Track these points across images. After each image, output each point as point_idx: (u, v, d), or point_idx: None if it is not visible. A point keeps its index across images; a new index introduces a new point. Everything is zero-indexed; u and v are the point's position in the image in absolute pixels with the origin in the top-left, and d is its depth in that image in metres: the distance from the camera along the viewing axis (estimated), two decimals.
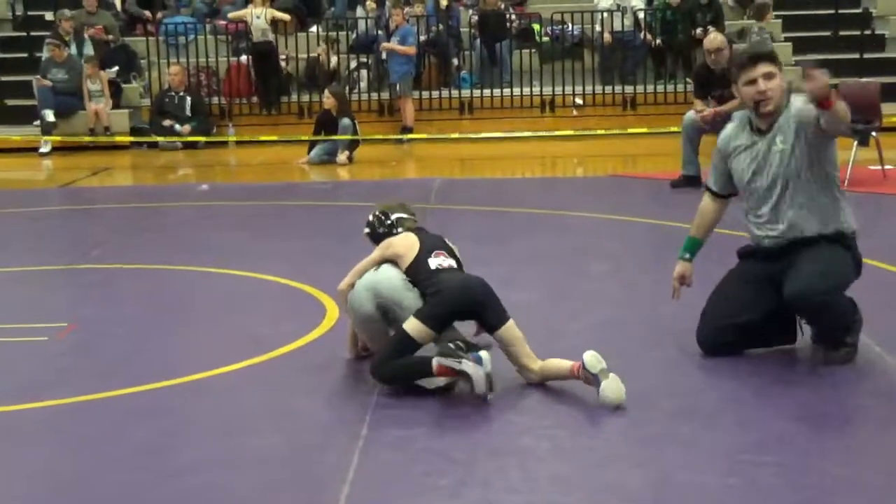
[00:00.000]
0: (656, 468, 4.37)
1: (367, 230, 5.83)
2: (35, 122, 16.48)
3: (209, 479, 4.41)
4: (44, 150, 16.10)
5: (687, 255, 6.01)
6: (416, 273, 5.44)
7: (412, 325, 5.25)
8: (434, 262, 5.48)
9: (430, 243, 5.59)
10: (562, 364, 5.32)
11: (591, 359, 5.14)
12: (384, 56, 16.59)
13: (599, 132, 15.79)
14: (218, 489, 4.32)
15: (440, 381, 5.23)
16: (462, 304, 5.37)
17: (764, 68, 5.55)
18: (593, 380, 5.09)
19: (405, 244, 5.55)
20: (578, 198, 11.08)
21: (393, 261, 5.53)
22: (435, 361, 5.15)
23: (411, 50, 16.36)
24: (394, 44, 16.22)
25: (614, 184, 12.07)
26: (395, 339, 5.34)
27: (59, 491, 4.36)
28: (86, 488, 4.37)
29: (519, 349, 5.39)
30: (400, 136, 16.12)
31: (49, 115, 16.19)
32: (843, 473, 4.28)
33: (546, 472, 4.39)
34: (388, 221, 5.79)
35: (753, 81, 5.55)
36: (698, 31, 16.63)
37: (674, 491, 4.18)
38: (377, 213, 5.84)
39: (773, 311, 5.58)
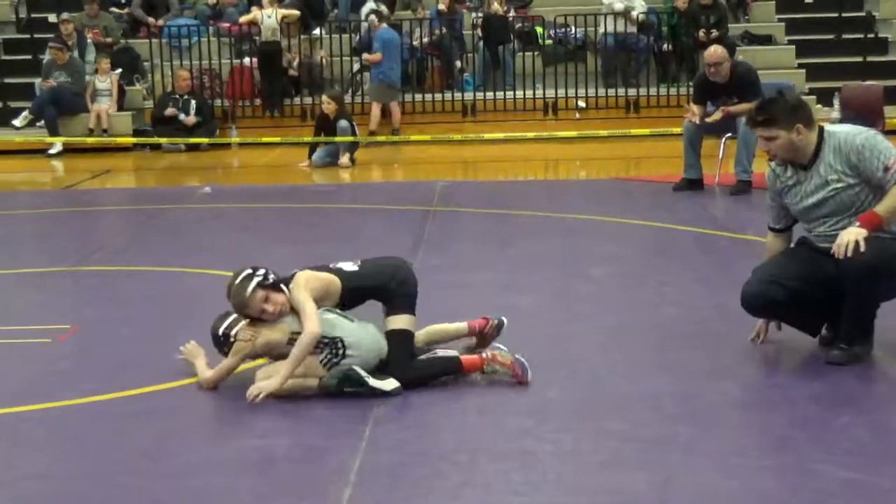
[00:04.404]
0: (658, 471, 4.37)
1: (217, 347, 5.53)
2: (39, 124, 16.50)
3: (211, 481, 4.41)
4: (52, 151, 16.12)
5: None
6: (350, 283, 5.44)
7: (405, 322, 5.40)
8: (346, 266, 5.55)
9: (318, 268, 5.53)
10: (455, 327, 5.79)
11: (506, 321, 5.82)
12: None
13: (602, 134, 15.79)
14: (220, 491, 4.32)
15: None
16: (410, 284, 5.53)
17: (762, 132, 5.54)
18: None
19: (313, 277, 5.40)
20: (581, 200, 11.07)
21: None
22: (463, 357, 5.42)
23: (375, 57, 16.37)
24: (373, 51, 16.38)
25: (617, 187, 12.07)
26: (401, 343, 5.40)
27: (61, 493, 4.36)
28: (88, 490, 4.37)
29: None
30: (387, 138, 16.12)
31: (17, 122, 16.31)
32: (844, 477, 4.27)
33: (548, 475, 4.38)
34: (220, 339, 5.48)
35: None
36: (701, 33, 16.64)
37: (675, 493, 4.18)
38: (214, 337, 5.50)
39: (818, 296, 5.55)
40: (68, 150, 16.21)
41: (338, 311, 5.47)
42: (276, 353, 5.42)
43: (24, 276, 8.28)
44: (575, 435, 4.77)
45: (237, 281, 5.33)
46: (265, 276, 5.33)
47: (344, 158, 14.03)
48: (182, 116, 16.20)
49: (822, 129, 5.57)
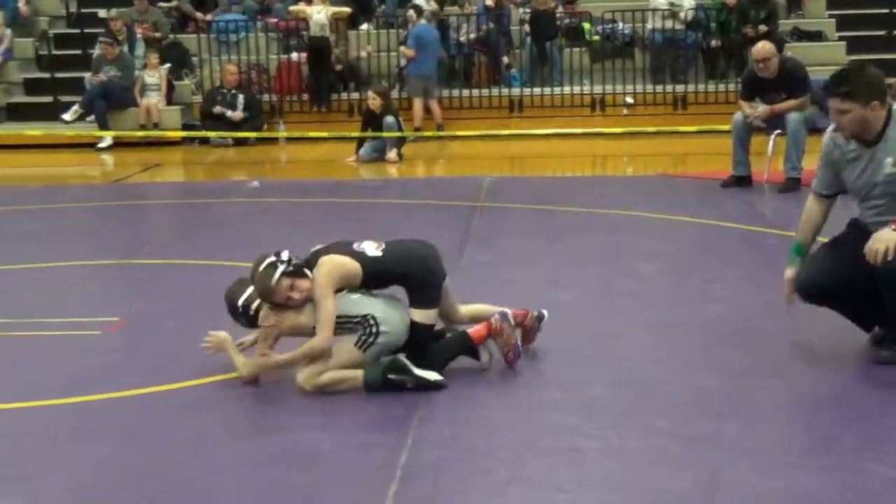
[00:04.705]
0: (704, 468, 4.36)
1: (234, 318, 5.59)
2: (89, 118, 16.63)
3: (256, 474, 4.43)
4: (102, 145, 16.26)
5: (798, 260, 5.77)
6: (373, 268, 5.42)
7: (426, 317, 5.43)
8: (370, 249, 5.50)
9: (341, 249, 5.50)
10: (491, 309, 5.72)
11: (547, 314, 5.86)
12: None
13: (649, 130, 15.73)
14: (265, 485, 4.34)
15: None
16: (437, 275, 5.53)
17: (838, 104, 5.40)
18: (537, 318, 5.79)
19: (337, 265, 5.38)
20: (628, 197, 11.04)
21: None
22: (471, 331, 5.49)
23: (409, 53, 16.41)
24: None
25: (664, 183, 12.02)
26: (420, 336, 5.42)
27: (110, 484, 4.40)
28: (133, 482, 4.41)
29: (455, 299, 5.73)
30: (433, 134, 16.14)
31: (68, 116, 16.49)
32: (893, 476, 4.24)
33: (594, 472, 4.38)
34: (240, 310, 5.53)
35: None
36: (748, 28, 16.51)
37: (721, 491, 4.17)
38: (230, 309, 5.56)
39: (872, 290, 5.44)
40: (117, 144, 16.34)
41: (362, 290, 5.46)
42: (301, 335, 5.45)
43: (74, 269, 8.36)
44: (621, 432, 4.76)
45: (261, 269, 5.34)
46: (289, 263, 5.33)
47: (391, 154, 14.07)
48: (229, 113, 16.28)
49: (890, 108, 5.45)
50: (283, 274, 5.30)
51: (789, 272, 5.78)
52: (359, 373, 5.29)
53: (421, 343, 5.44)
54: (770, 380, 5.38)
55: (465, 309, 5.81)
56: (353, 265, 5.40)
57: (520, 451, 4.57)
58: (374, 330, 5.32)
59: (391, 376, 5.24)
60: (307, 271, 5.36)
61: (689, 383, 5.33)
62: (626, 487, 4.24)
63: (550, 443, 4.66)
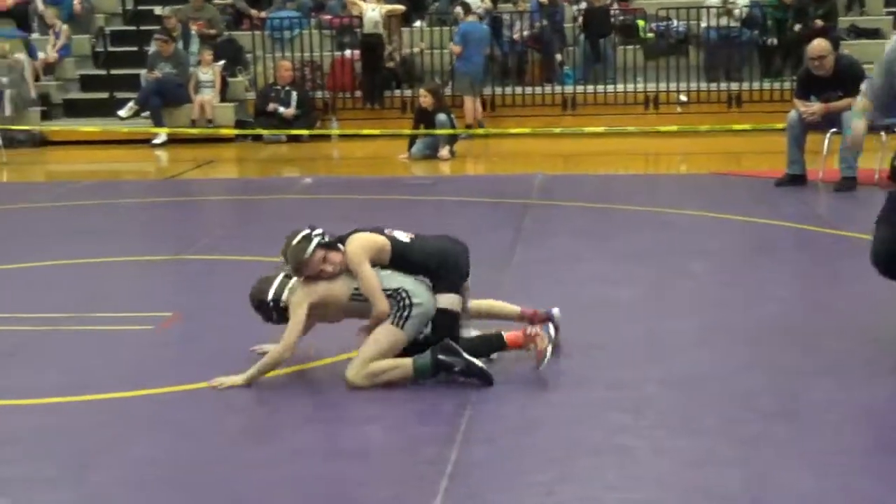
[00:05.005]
0: (754, 469, 4.33)
1: (262, 318, 5.61)
2: (144, 115, 16.77)
3: (306, 468, 4.46)
4: (157, 141, 16.39)
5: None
6: (401, 252, 5.51)
7: (449, 302, 5.42)
8: (400, 235, 5.61)
9: (371, 230, 5.63)
10: (510, 308, 5.82)
11: (558, 314, 5.73)
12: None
13: (703, 128, 15.65)
14: (315, 479, 4.37)
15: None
16: (459, 268, 5.56)
17: None
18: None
19: (368, 239, 5.49)
20: (681, 195, 10.99)
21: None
22: (507, 335, 5.44)
23: (455, 49, 16.40)
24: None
25: (718, 181, 11.95)
26: (445, 323, 5.41)
27: (163, 477, 4.44)
28: (186, 475, 4.45)
29: (468, 296, 5.71)
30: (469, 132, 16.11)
31: (123, 112, 16.62)
32: None
33: (643, 471, 4.37)
34: (270, 305, 5.53)
35: None
36: (801, 25, 16.37)
37: (770, 492, 4.14)
38: (256, 305, 5.58)
39: None
40: (172, 141, 16.46)
41: (390, 269, 5.51)
42: (332, 313, 5.48)
43: (129, 264, 8.43)
44: (671, 431, 4.75)
45: (295, 241, 5.41)
46: (319, 235, 5.42)
47: (443, 151, 14.08)
48: (281, 109, 16.34)
49: None
50: (318, 246, 5.38)
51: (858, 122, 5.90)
52: (408, 361, 5.31)
53: (447, 333, 5.41)
54: (823, 380, 5.35)
55: (476, 304, 5.84)
56: (383, 240, 5.52)
57: (569, 450, 4.57)
58: (407, 302, 5.34)
59: (441, 356, 5.24)
60: (339, 246, 5.44)
61: (740, 383, 5.31)
62: (675, 487, 4.23)
63: (600, 441, 4.66)
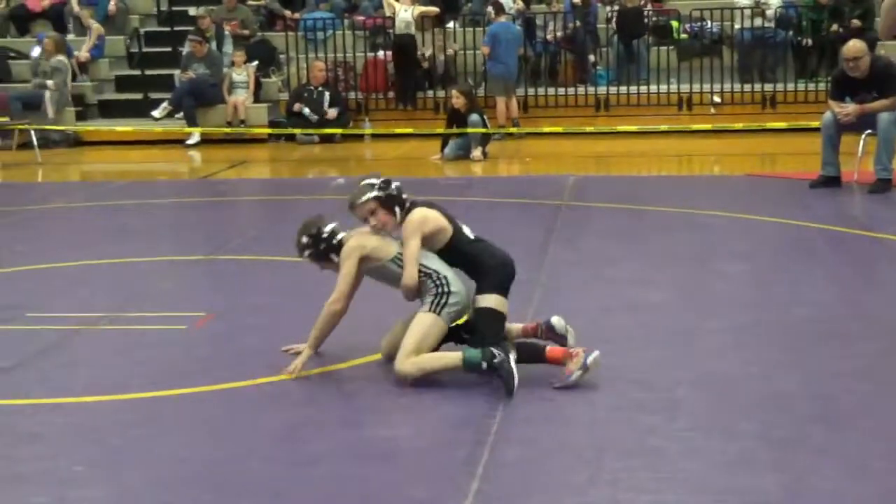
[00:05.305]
0: (789, 472, 4.31)
1: (307, 252, 5.70)
2: (178, 115, 16.83)
3: (339, 469, 4.46)
4: (190, 141, 16.45)
5: None
6: (459, 243, 5.55)
7: (496, 302, 5.41)
8: (468, 229, 5.65)
9: (444, 213, 5.65)
10: (515, 329, 5.69)
11: (559, 321, 5.57)
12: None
13: (737, 128, 15.58)
14: (347, 480, 4.37)
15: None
16: (507, 275, 5.56)
17: None
18: (559, 338, 5.52)
19: (431, 218, 5.55)
20: (714, 197, 10.94)
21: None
22: (549, 349, 5.37)
23: (484, 50, 16.39)
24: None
25: (751, 183, 11.90)
26: (492, 323, 5.42)
27: (194, 477, 4.45)
28: (219, 475, 4.46)
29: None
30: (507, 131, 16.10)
31: (157, 113, 16.70)
32: None
33: (675, 473, 4.35)
34: (325, 236, 5.64)
35: None
36: (836, 26, 16.26)
37: (806, 496, 4.12)
38: (309, 234, 5.68)
39: None
40: (205, 141, 16.53)
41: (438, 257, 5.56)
42: (371, 269, 5.54)
43: (162, 264, 8.47)
44: (704, 434, 4.73)
45: (363, 182, 5.62)
46: (384, 190, 5.55)
47: (476, 152, 14.08)
48: (306, 111, 16.32)
49: None
50: (373, 199, 5.53)
51: None
52: (457, 353, 5.32)
53: (494, 332, 5.40)
54: (858, 384, 5.31)
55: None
56: (445, 224, 5.56)
57: (601, 451, 4.55)
58: (445, 289, 5.40)
59: (494, 350, 5.20)
60: (398, 210, 5.53)
61: (774, 386, 5.28)
62: (708, 489, 4.21)
63: (632, 443, 4.64)
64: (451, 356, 5.32)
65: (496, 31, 16.33)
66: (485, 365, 5.18)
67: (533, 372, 5.35)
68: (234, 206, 11.98)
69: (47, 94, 16.68)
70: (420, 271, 5.43)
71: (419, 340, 5.34)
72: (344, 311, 5.54)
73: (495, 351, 5.21)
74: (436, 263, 5.48)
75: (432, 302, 5.39)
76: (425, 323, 5.38)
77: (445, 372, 5.37)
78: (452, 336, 5.53)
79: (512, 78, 16.39)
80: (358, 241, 5.54)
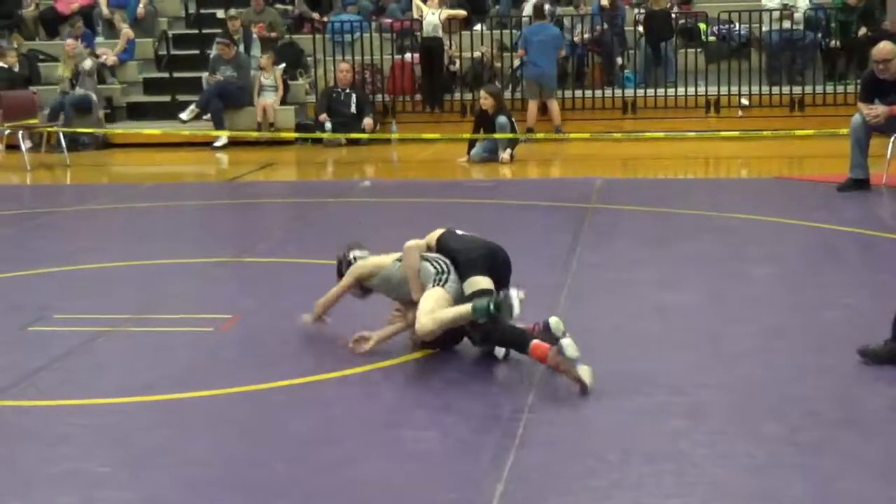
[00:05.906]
0: (816, 476, 4.29)
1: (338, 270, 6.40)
2: (206, 118, 16.88)
3: (365, 471, 4.47)
4: (218, 144, 16.50)
5: None
6: (448, 240, 5.98)
7: (488, 283, 5.69)
8: (460, 230, 6.13)
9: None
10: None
11: (555, 322, 5.52)
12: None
13: (765, 133, 15.52)
14: (374, 482, 4.37)
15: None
16: (487, 262, 5.86)
17: None
18: (552, 340, 5.42)
19: (420, 243, 6.05)
20: (742, 200, 10.91)
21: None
22: (534, 343, 5.42)
23: (518, 52, 16.39)
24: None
25: (779, 186, 11.86)
26: (483, 294, 5.66)
27: (220, 478, 4.46)
28: (247, 477, 4.47)
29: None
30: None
31: (184, 115, 16.77)
32: None
33: (701, 478, 4.33)
34: (349, 259, 6.32)
35: None
36: (864, 28, 16.16)
37: (833, 500, 4.10)
38: (337, 256, 6.41)
39: None
40: (233, 143, 16.56)
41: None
42: (377, 283, 6.13)
43: (189, 266, 8.49)
44: (730, 438, 4.71)
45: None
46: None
47: (503, 154, 14.05)
48: (327, 126, 16.29)
49: None
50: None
51: None
52: (468, 305, 5.57)
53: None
54: (887, 388, 5.28)
55: None
56: (430, 238, 6.07)
57: (626, 455, 4.54)
58: (445, 269, 5.83)
59: (500, 302, 5.56)
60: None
61: (801, 390, 5.25)
62: (733, 494, 4.19)
63: (657, 446, 4.63)
64: (463, 307, 5.60)
65: (528, 33, 16.33)
66: (492, 306, 5.47)
67: (558, 376, 5.35)
68: (261, 209, 12.01)
69: (94, 98, 16.83)
70: (427, 256, 5.94)
71: (433, 302, 5.70)
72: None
73: (498, 295, 5.61)
74: (434, 253, 5.97)
75: (436, 278, 5.81)
76: (434, 294, 5.75)
77: (470, 373, 5.37)
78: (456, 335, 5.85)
79: (546, 80, 16.29)
80: (359, 264, 6.25)
